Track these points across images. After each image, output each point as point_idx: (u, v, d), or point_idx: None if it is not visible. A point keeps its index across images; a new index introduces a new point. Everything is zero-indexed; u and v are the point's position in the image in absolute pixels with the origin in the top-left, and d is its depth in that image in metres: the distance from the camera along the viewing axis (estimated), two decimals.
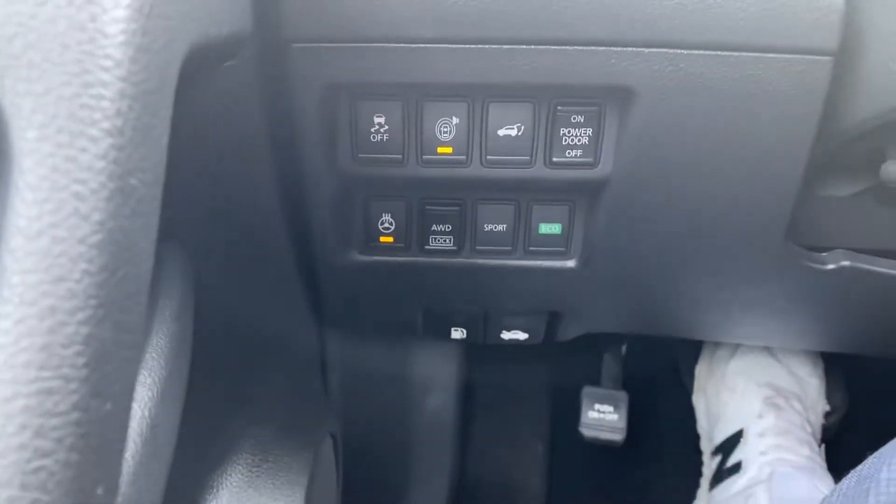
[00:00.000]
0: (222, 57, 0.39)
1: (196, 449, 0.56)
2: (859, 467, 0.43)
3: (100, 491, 0.23)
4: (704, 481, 0.93)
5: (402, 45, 0.46)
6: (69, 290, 0.21)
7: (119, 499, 0.27)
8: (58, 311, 0.21)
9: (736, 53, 0.45)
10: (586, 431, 0.86)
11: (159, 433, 0.34)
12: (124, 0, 0.23)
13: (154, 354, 0.37)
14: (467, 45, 0.46)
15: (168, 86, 0.26)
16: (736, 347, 0.93)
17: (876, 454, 0.43)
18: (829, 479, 0.81)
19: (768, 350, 0.92)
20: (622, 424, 0.86)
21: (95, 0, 0.22)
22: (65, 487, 0.22)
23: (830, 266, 0.58)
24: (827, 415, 0.94)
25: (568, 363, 1.05)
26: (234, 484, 0.56)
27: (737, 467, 0.85)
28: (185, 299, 0.42)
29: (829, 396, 0.94)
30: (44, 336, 0.21)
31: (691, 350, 0.98)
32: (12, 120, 0.21)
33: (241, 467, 0.57)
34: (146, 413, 0.34)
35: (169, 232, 0.33)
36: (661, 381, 1.08)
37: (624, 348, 0.95)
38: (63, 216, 0.22)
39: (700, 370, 0.97)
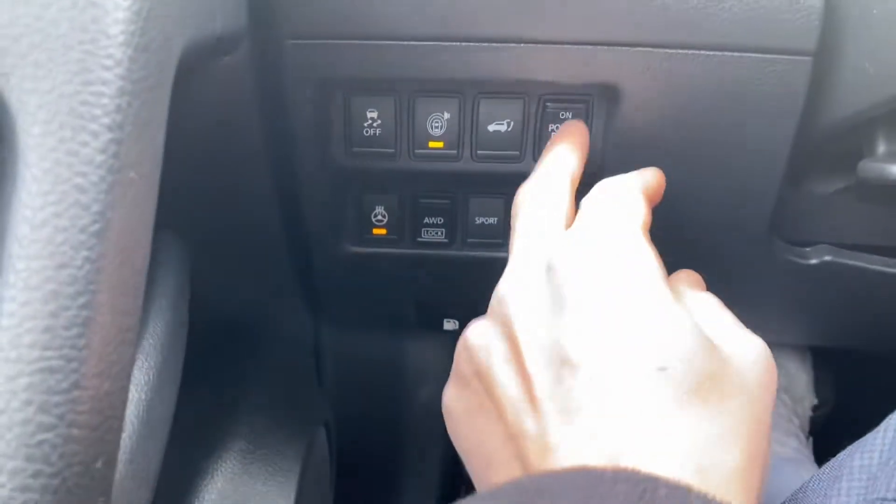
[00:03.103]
0: (217, 53, 0.40)
1: (192, 436, 0.57)
2: (839, 455, 0.44)
3: (99, 464, 0.24)
4: None
5: (394, 42, 0.47)
6: (71, 276, 0.23)
7: (117, 475, 0.28)
8: (60, 296, 0.23)
9: (719, 53, 0.46)
10: None
11: (155, 415, 0.36)
12: (125, 3, 0.24)
13: (151, 340, 0.38)
14: (458, 43, 0.47)
15: (165, 83, 0.27)
16: None
17: (855, 443, 0.44)
18: (816, 470, 0.82)
19: None
20: None
21: (97, 3, 0.24)
22: (66, 460, 0.23)
23: (813, 261, 0.59)
24: (815, 408, 0.95)
25: None
26: (229, 469, 0.57)
27: None
28: (181, 288, 0.43)
29: (818, 390, 0.95)
30: (47, 319, 0.22)
31: None
32: (18, 116, 0.22)
33: (235, 454, 0.58)
34: (142, 396, 0.35)
35: (165, 222, 0.34)
36: None
37: None
38: (65, 207, 0.23)
39: None
